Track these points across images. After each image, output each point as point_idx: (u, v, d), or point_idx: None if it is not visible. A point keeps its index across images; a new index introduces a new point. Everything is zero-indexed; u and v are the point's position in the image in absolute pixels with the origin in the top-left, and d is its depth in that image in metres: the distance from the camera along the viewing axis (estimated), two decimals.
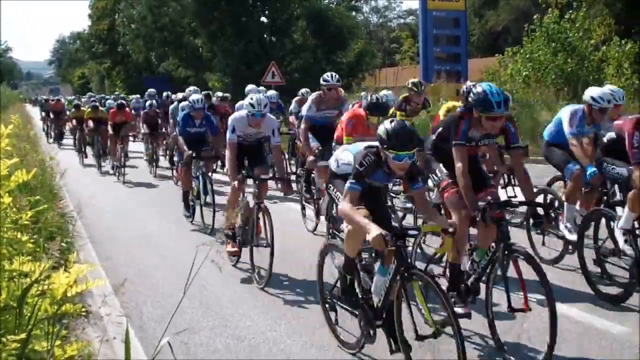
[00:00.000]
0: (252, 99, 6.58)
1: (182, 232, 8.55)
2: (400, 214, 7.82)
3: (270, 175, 7.09)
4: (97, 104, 17.84)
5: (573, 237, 6.04)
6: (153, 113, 14.77)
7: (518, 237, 5.86)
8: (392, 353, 4.10)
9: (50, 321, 3.14)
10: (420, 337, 3.88)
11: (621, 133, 5.68)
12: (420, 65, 26.11)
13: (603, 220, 5.75)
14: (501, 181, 8.11)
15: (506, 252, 4.33)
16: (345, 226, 4.48)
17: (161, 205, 10.84)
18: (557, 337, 4.02)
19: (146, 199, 11.78)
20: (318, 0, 34.20)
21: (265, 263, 6.02)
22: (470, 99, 4.77)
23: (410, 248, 4.94)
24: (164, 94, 17.72)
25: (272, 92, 13.21)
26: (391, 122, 4.16)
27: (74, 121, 18.34)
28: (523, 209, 6.35)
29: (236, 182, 6.39)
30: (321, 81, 8.09)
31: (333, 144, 7.27)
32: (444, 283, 4.70)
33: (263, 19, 32.53)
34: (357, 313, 4.40)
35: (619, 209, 5.81)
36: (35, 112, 38.43)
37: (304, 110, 8.35)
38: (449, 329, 3.87)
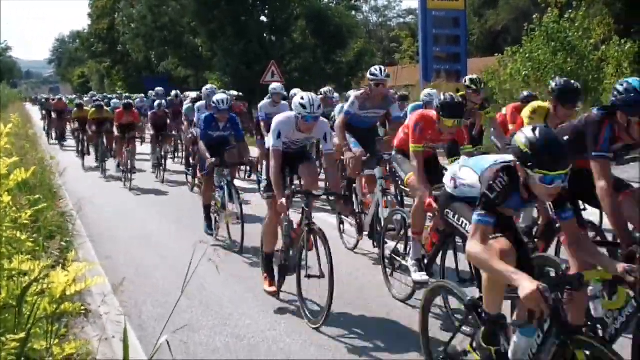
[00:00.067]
0: (302, 98, 5.41)
1: (182, 232, 8.53)
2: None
3: (323, 190, 6.04)
4: (102, 103, 16.50)
5: None
6: (162, 113, 13.92)
7: None
8: None
9: (49, 320, 3.15)
10: None
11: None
12: (420, 65, 26.13)
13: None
14: None
15: None
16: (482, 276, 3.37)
17: (161, 205, 10.84)
18: None
19: (146, 199, 11.74)
20: None
21: (312, 295, 5.20)
22: (615, 99, 3.97)
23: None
24: (173, 92, 16.56)
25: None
26: (534, 130, 3.07)
27: (76, 122, 17.58)
28: None
29: (284, 200, 5.18)
30: (368, 75, 6.94)
31: (393, 152, 6.04)
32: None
33: (263, 18, 32.47)
34: None
35: None
36: (35, 111, 38.51)
37: (346, 105, 7.22)
38: None
